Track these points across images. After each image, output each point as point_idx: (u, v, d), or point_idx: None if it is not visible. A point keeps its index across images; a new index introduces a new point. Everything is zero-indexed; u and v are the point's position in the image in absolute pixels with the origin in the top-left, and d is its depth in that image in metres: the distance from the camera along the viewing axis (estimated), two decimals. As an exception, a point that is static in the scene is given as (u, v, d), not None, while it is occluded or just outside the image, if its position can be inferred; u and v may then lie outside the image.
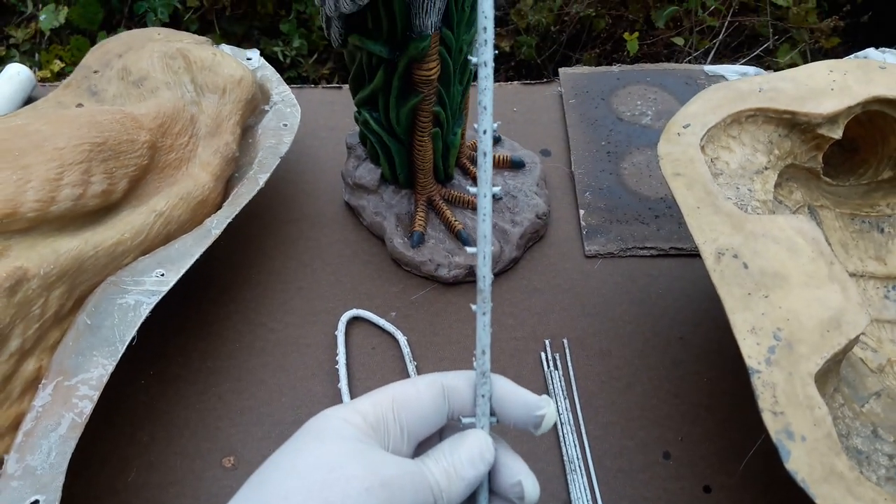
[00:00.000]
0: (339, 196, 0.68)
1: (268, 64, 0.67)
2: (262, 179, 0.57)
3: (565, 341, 0.57)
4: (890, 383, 0.49)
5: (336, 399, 0.54)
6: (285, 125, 0.62)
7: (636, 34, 1.34)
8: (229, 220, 0.53)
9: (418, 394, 0.30)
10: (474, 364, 0.31)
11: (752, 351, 0.42)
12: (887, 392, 0.47)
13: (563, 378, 0.55)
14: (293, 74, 1.43)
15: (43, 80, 1.24)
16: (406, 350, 0.56)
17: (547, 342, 0.57)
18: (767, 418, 0.39)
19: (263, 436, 0.52)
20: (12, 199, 0.45)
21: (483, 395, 0.31)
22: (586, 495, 0.49)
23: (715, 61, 1.43)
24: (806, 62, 1.46)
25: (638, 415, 0.53)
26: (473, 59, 0.23)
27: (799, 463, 0.37)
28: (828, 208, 0.59)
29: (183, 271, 0.49)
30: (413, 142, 0.59)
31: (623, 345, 0.58)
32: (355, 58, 0.55)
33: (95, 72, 0.60)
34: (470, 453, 0.30)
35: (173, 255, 0.50)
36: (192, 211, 0.54)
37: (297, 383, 0.55)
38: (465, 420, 0.31)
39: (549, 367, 0.56)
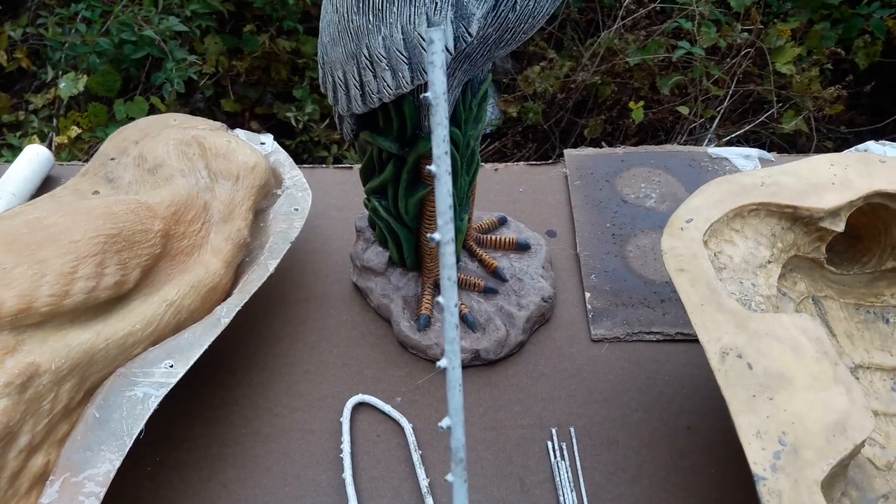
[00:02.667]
0: (348, 276, 0.69)
1: (280, 148, 0.69)
2: (272, 265, 0.58)
3: (572, 430, 0.57)
4: (899, 483, 0.49)
5: (340, 489, 0.54)
6: (296, 210, 0.63)
7: (641, 103, 1.37)
8: (238, 309, 0.54)
9: None
10: None
11: (757, 456, 0.42)
12: (895, 494, 0.47)
13: (569, 469, 0.55)
14: (305, 139, 1.46)
15: (60, 145, 1.27)
16: (411, 438, 0.56)
17: (553, 430, 0.57)
18: (774, 530, 0.38)
19: (267, 527, 0.52)
20: (27, 294, 0.46)
21: None
22: None
23: (720, 128, 1.45)
24: (810, 129, 1.48)
25: (645, 509, 0.53)
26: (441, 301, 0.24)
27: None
28: (832, 298, 0.59)
29: (192, 362, 0.50)
30: (421, 228, 0.60)
31: (630, 434, 0.57)
32: (366, 150, 0.57)
33: (112, 159, 0.62)
34: None
35: (182, 345, 0.51)
36: (203, 299, 0.55)
37: (302, 471, 0.55)
38: None
39: (555, 457, 0.56)
